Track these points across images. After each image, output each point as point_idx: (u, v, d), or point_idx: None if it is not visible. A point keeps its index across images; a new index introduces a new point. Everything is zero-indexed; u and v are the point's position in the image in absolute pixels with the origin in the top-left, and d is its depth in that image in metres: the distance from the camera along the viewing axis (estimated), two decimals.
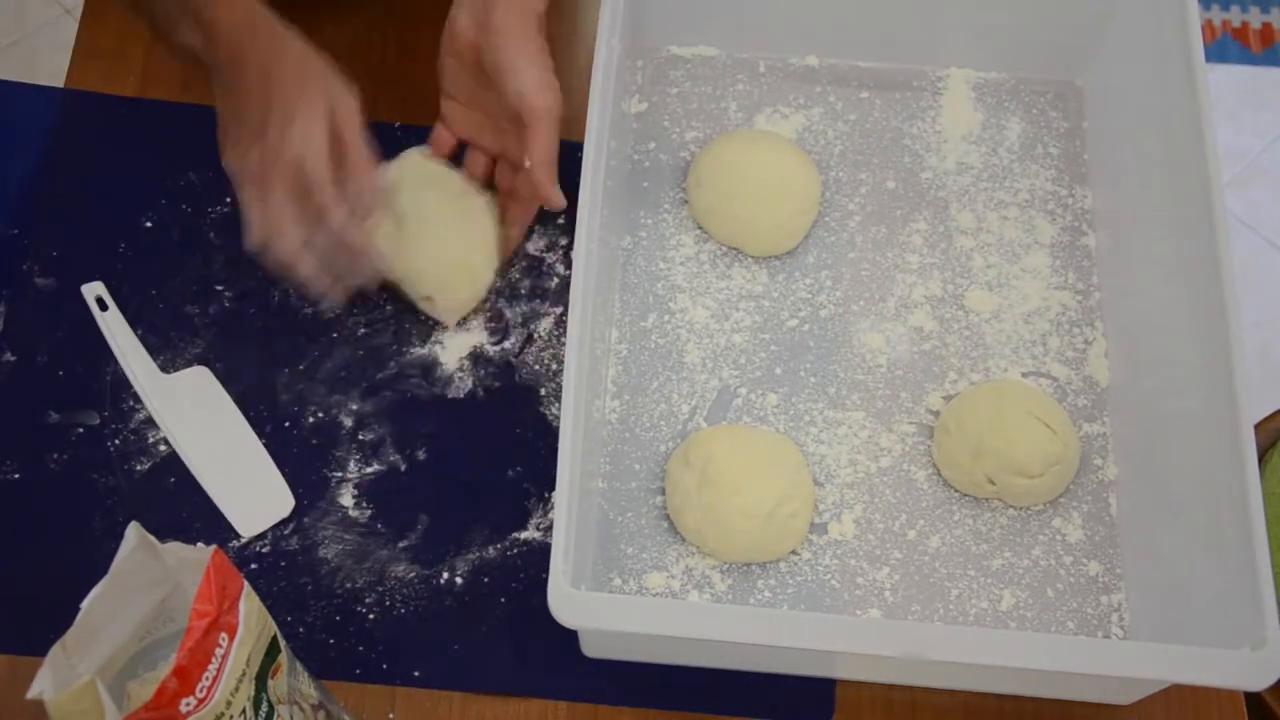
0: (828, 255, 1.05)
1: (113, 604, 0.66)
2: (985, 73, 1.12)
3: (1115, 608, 0.93)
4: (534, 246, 1.04)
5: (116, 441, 0.95)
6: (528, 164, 0.92)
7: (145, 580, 0.68)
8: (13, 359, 0.98)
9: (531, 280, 1.03)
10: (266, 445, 0.96)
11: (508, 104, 0.92)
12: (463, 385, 0.99)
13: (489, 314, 1.01)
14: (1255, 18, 2.18)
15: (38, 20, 2.05)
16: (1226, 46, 2.15)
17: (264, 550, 0.92)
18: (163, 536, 0.68)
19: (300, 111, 0.85)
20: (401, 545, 0.93)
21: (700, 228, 1.04)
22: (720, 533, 0.90)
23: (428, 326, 1.01)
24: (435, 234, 0.97)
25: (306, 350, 0.99)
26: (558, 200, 0.94)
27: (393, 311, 1.01)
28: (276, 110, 0.86)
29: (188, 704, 0.64)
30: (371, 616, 0.91)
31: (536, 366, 1.00)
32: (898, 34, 1.10)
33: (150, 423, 0.96)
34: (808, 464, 0.95)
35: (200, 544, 0.68)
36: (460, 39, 0.94)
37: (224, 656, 0.66)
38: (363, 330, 1.00)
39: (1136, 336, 1.00)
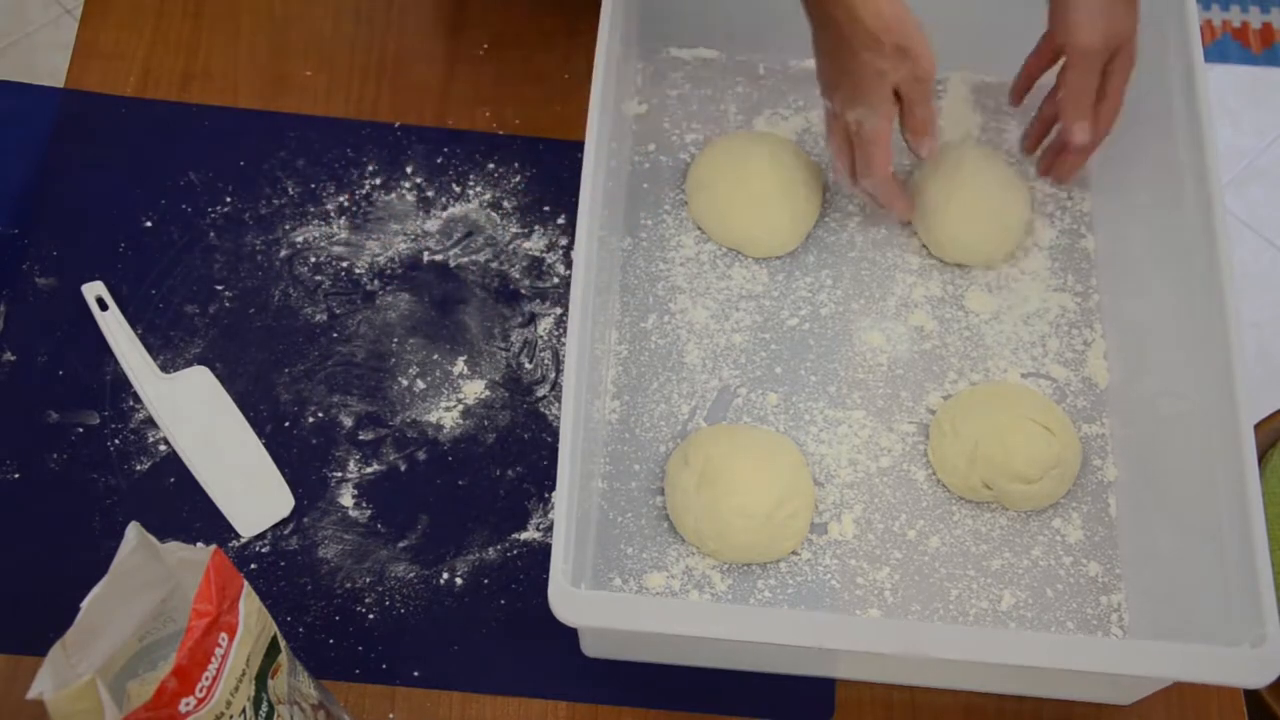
0: (828, 255, 1.05)
1: (113, 604, 0.66)
2: (984, 75, 1.12)
3: (1115, 608, 0.93)
4: (534, 246, 1.04)
5: (116, 441, 0.95)
6: (1059, 97, 0.95)
7: (145, 580, 0.68)
8: (13, 359, 0.98)
9: (531, 280, 1.03)
10: (266, 445, 0.96)
11: (1059, 36, 0.94)
12: (463, 385, 0.99)
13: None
14: (1255, 18, 2.18)
15: (38, 20, 2.05)
16: (1226, 46, 2.15)
17: (264, 550, 0.92)
18: (163, 536, 0.68)
19: (866, 86, 0.90)
20: (401, 545, 0.93)
21: (700, 229, 1.04)
22: (719, 533, 0.90)
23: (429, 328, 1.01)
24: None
25: (306, 350, 1.00)
26: (1079, 135, 0.96)
27: (394, 314, 1.01)
28: (849, 74, 0.91)
29: (187, 704, 0.64)
30: (371, 616, 0.91)
31: (536, 367, 1.00)
32: None
33: (150, 423, 0.96)
34: (807, 464, 0.95)
35: (200, 544, 0.69)
36: None
37: (224, 656, 0.66)
38: (363, 329, 1.00)
39: (1136, 337, 1.00)
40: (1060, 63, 0.98)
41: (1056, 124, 1.01)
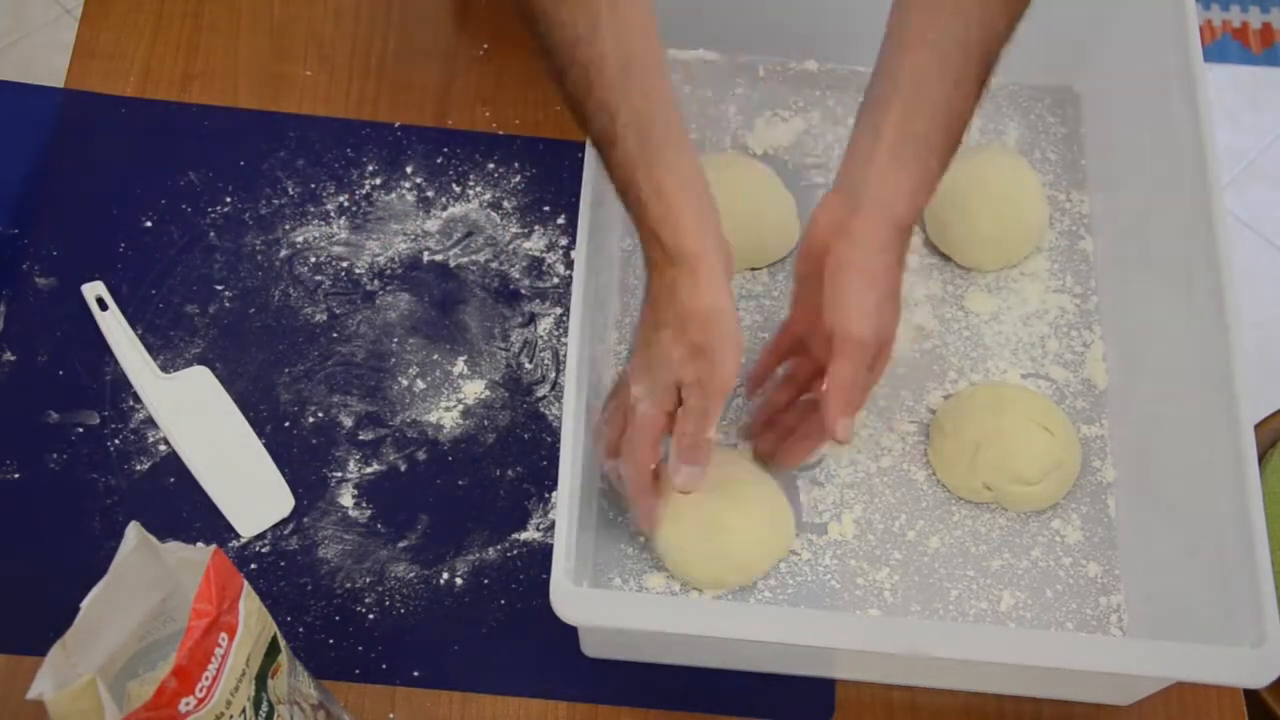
0: None
1: (113, 604, 0.66)
2: None
3: (1114, 609, 0.93)
4: (534, 246, 1.04)
5: (116, 441, 0.95)
6: (824, 388, 0.84)
7: (145, 580, 0.68)
8: (13, 359, 0.98)
9: (531, 280, 1.03)
10: (266, 445, 0.96)
11: (827, 320, 0.83)
12: (463, 385, 0.99)
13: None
14: (1255, 18, 2.18)
15: (38, 20, 2.05)
16: (1226, 46, 2.15)
17: (264, 550, 0.92)
18: (163, 536, 0.68)
19: (654, 366, 0.82)
20: (401, 545, 0.93)
21: None
22: (719, 579, 0.91)
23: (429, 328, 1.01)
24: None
25: (306, 350, 1.00)
26: (841, 433, 0.84)
27: (394, 314, 1.01)
28: (645, 345, 0.83)
29: (187, 704, 0.64)
30: (371, 616, 0.91)
31: (536, 367, 1.00)
32: None
33: (150, 423, 0.96)
34: (751, 461, 0.95)
35: (200, 544, 0.68)
36: (816, 236, 0.85)
37: (224, 656, 0.66)
38: (363, 329, 1.00)
39: (1135, 339, 1.00)
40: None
41: (779, 409, 0.94)
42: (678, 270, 0.79)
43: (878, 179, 0.82)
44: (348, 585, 0.92)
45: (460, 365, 1.00)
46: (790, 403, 0.93)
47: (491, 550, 0.93)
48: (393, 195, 1.06)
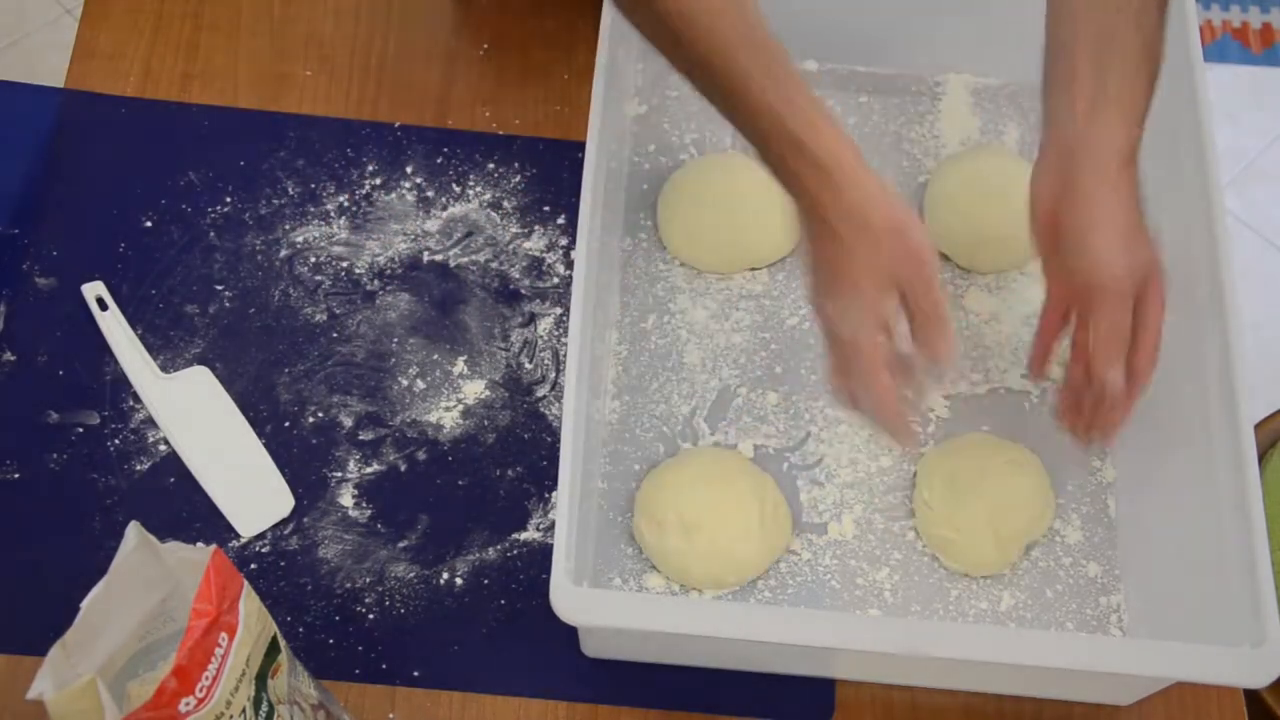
0: None
1: (113, 604, 0.66)
2: (983, 78, 1.12)
3: (1114, 609, 0.93)
4: (534, 246, 1.04)
5: (116, 441, 0.95)
6: (1090, 345, 0.83)
7: (145, 580, 0.68)
8: (13, 359, 0.98)
9: (531, 280, 1.03)
10: (266, 445, 0.96)
11: (1080, 279, 0.82)
12: (463, 385, 0.99)
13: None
14: (1255, 18, 2.18)
15: (38, 20, 2.05)
16: (1226, 46, 2.15)
17: (264, 550, 0.92)
18: (163, 536, 0.68)
19: (860, 280, 0.80)
20: (401, 545, 0.93)
21: (683, 261, 1.04)
22: (718, 577, 0.91)
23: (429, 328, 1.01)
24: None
25: (306, 350, 1.00)
26: (1114, 383, 0.83)
27: (394, 314, 1.01)
28: (839, 273, 0.81)
29: (187, 704, 0.64)
30: (371, 616, 0.91)
31: (536, 367, 1.00)
32: (896, 39, 1.10)
33: (150, 423, 0.96)
34: (747, 458, 0.95)
35: (200, 544, 0.69)
36: (1041, 204, 0.84)
37: (224, 656, 0.66)
38: (363, 329, 1.00)
39: None
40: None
41: (1078, 387, 0.89)
42: (835, 175, 0.79)
43: (1085, 129, 0.82)
44: (348, 585, 0.92)
45: (460, 365, 1.00)
46: (1085, 375, 0.89)
47: (491, 550, 0.93)
48: (393, 195, 1.06)
